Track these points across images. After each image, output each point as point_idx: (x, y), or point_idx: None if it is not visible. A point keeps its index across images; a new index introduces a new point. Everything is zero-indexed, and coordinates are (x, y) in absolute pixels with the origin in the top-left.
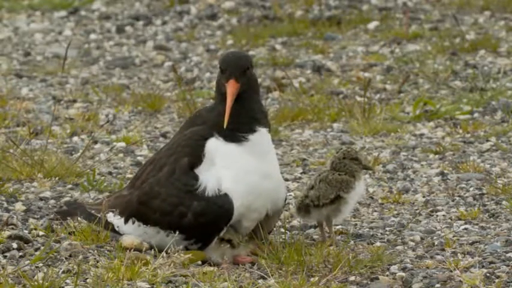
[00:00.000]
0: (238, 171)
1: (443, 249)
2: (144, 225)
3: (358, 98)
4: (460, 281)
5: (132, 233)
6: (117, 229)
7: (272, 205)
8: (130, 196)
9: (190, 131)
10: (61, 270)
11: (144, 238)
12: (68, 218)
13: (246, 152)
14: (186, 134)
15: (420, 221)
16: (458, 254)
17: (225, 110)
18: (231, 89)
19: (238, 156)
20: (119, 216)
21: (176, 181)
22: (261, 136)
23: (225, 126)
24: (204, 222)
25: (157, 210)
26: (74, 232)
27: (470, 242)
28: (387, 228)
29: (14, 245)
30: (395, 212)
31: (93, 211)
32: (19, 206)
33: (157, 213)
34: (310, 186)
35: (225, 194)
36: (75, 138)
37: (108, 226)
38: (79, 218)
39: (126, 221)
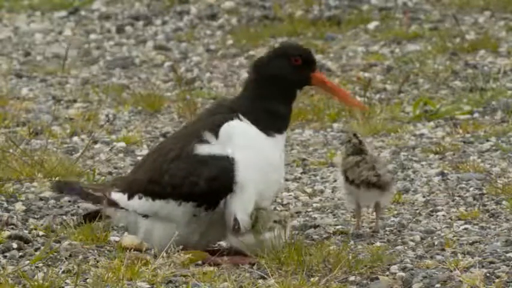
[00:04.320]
0: (256, 158)
1: (443, 249)
2: (153, 200)
3: (358, 98)
4: (460, 281)
5: (136, 207)
6: (120, 205)
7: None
8: (135, 176)
9: (204, 122)
10: (61, 270)
11: (150, 211)
12: (63, 193)
13: (271, 144)
14: (196, 126)
15: (420, 221)
16: (458, 254)
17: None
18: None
19: (261, 142)
20: (122, 194)
21: (185, 157)
22: (284, 137)
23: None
24: (215, 187)
25: (168, 186)
26: (67, 227)
27: (470, 242)
28: (387, 228)
29: (14, 245)
30: (395, 212)
31: (90, 190)
32: (19, 206)
33: (167, 188)
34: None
35: (231, 158)
36: (75, 138)
37: (111, 204)
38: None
39: (130, 197)
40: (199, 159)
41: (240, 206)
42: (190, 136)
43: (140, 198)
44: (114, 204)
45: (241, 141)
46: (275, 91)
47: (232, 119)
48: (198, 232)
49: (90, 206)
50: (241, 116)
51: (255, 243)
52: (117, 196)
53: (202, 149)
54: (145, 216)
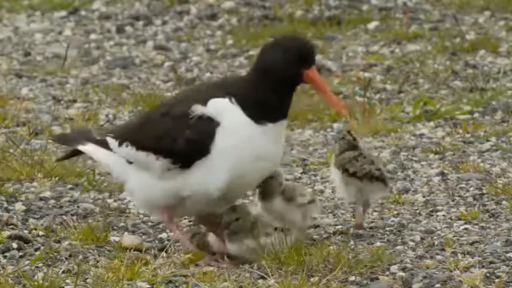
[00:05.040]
0: (238, 142)
1: (443, 249)
2: (136, 150)
3: (358, 98)
4: (460, 281)
5: (124, 155)
6: (112, 149)
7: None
8: (128, 124)
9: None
10: (61, 270)
11: (133, 160)
12: (68, 144)
13: (258, 131)
14: (190, 95)
15: (420, 221)
16: (458, 254)
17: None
18: (320, 78)
19: (246, 128)
20: (114, 140)
21: (171, 113)
22: (281, 125)
23: (345, 114)
24: (192, 148)
25: (151, 136)
26: (67, 227)
27: (470, 242)
28: (387, 228)
29: (14, 245)
30: (395, 212)
31: (99, 137)
32: (19, 206)
33: (150, 138)
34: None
35: (214, 121)
36: None
37: (106, 146)
38: (81, 146)
39: (120, 144)
40: (182, 118)
41: (208, 176)
42: (181, 101)
43: (127, 146)
44: (107, 147)
45: (225, 121)
46: (270, 81)
47: (223, 98)
48: (172, 192)
49: (89, 206)
50: (233, 99)
51: (254, 248)
52: (111, 141)
53: (190, 110)
54: (130, 162)
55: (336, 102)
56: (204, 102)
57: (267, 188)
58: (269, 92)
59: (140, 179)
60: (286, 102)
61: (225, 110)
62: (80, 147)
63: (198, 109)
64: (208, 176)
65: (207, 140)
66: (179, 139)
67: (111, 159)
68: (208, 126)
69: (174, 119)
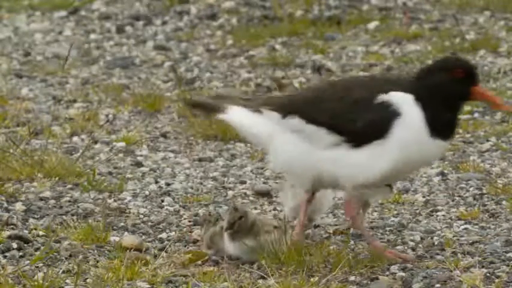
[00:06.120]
0: (411, 140)
1: (443, 249)
2: (306, 123)
3: None
4: (460, 281)
5: (286, 126)
6: (272, 124)
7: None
8: (293, 96)
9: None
10: (61, 270)
11: (295, 131)
12: (201, 110)
13: (429, 142)
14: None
15: (420, 221)
16: (458, 254)
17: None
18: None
19: (419, 131)
20: (275, 112)
21: (352, 95)
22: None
23: None
24: (371, 129)
25: (328, 114)
26: (67, 227)
27: (470, 242)
28: (387, 228)
29: (14, 245)
30: (395, 212)
31: (245, 107)
32: (19, 206)
33: (327, 116)
34: None
35: (396, 111)
36: (75, 138)
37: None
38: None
39: (284, 116)
40: (365, 102)
41: (371, 161)
42: (358, 86)
43: (294, 118)
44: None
45: (406, 115)
46: (442, 100)
47: (405, 93)
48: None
49: (89, 206)
50: (415, 99)
51: (253, 247)
52: (269, 113)
53: (374, 96)
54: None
55: (504, 106)
56: (386, 92)
57: None
58: (441, 111)
59: (294, 146)
60: (454, 120)
61: (408, 105)
62: (222, 116)
63: (383, 97)
64: (371, 161)
65: (387, 125)
66: (359, 120)
67: (259, 127)
68: (391, 113)
69: (355, 101)
